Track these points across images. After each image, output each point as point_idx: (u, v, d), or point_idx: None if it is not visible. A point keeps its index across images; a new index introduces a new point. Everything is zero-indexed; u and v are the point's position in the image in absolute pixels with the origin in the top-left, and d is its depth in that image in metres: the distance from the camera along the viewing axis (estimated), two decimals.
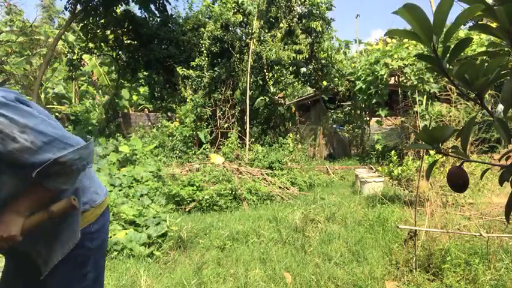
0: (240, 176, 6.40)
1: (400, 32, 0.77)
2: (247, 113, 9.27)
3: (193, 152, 8.29)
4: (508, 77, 0.68)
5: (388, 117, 10.11)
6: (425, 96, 8.18)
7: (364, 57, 11.32)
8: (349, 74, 10.66)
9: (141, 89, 18.26)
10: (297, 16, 10.40)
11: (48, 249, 1.19)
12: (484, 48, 7.41)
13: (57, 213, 1.11)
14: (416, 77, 8.12)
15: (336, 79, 10.93)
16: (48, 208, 1.10)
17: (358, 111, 11.14)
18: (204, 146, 8.57)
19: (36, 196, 1.10)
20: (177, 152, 8.49)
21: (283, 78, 10.09)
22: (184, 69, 9.72)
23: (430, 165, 0.94)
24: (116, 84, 13.41)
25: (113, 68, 15.46)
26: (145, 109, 18.21)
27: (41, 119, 1.06)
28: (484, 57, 0.91)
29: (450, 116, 5.28)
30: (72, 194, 1.20)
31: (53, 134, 1.05)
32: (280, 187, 6.22)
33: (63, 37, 12.94)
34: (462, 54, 0.68)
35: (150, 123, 12.68)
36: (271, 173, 6.95)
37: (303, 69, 11.92)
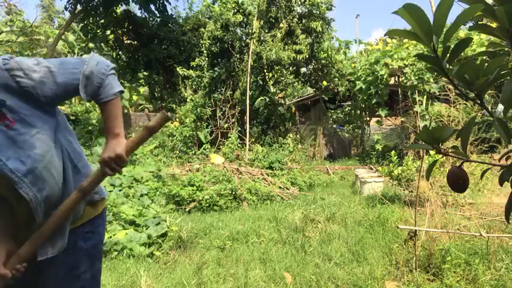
0: (240, 176, 6.40)
1: (400, 32, 0.77)
2: (247, 113, 9.28)
3: (193, 152, 8.29)
4: (508, 77, 0.68)
5: (388, 117, 10.11)
6: (425, 96, 8.18)
7: (364, 57, 11.33)
8: (349, 74, 10.66)
9: (141, 89, 18.24)
10: (297, 16, 10.40)
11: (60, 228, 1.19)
12: (484, 48, 7.41)
13: (156, 126, 1.15)
14: (416, 77, 8.12)
15: (336, 79, 10.93)
16: (146, 125, 1.15)
17: (358, 111, 11.14)
18: (204, 146, 8.57)
19: (113, 112, 1.16)
20: (177, 152, 8.48)
21: (283, 78, 10.09)
22: (184, 69, 9.72)
23: (430, 165, 0.94)
24: None
25: None
26: (145, 109, 18.20)
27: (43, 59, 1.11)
28: (484, 57, 0.91)
29: (450, 116, 5.29)
30: (77, 177, 1.22)
31: (60, 60, 1.11)
32: (280, 187, 6.22)
33: (63, 37, 12.95)
34: (462, 54, 0.68)
35: None
36: (271, 173, 6.95)
37: (303, 69, 11.92)
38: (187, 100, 9.48)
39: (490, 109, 0.77)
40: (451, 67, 0.71)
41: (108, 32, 11.89)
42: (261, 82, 10.59)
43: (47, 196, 1.09)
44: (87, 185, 1.14)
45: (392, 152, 5.80)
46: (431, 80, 8.04)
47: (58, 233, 1.17)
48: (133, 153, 6.89)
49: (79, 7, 10.41)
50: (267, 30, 10.07)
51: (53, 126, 1.12)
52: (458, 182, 0.80)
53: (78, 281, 1.25)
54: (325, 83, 11.36)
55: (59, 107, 1.23)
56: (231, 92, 9.76)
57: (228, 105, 9.71)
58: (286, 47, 9.94)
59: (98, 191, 1.31)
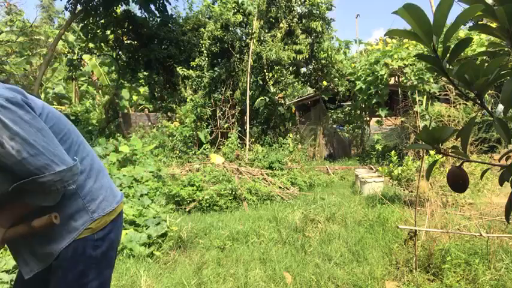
0: (240, 176, 6.40)
1: (400, 32, 0.77)
2: (247, 113, 9.28)
3: (193, 152, 8.29)
4: (508, 77, 0.68)
5: (388, 117, 10.12)
6: (425, 96, 8.19)
7: (364, 57, 11.33)
8: (349, 74, 10.67)
9: (141, 89, 18.25)
10: (297, 16, 10.40)
11: (29, 253, 1.20)
12: (484, 48, 7.41)
13: (38, 228, 1.11)
14: (416, 77, 8.13)
15: (336, 79, 10.93)
16: (30, 222, 1.11)
17: (358, 111, 11.14)
18: (204, 146, 8.57)
19: (18, 209, 1.12)
20: (177, 152, 8.48)
21: (283, 78, 10.09)
22: (184, 69, 9.72)
23: (430, 165, 0.94)
24: (116, 84, 13.41)
25: (113, 68, 15.45)
26: (145, 109, 18.20)
27: (36, 129, 1.05)
28: (484, 57, 0.91)
29: (450, 116, 5.29)
30: (69, 199, 1.19)
31: (41, 148, 1.04)
32: (280, 187, 6.22)
33: (63, 37, 12.94)
34: (462, 54, 0.68)
35: (150, 123, 12.68)
36: (271, 173, 6.95)
37: (303, 69, 11.92)
38: (187, 100, 9.48)
39: (490, 109, 0.77)
40: (451, 67, 0.71)
41: (108, 32, 11.88)
42: (261, 82, 10.60)
43: None
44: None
45: (392, 152, 5.80)
46: (431, 80, 8.04)
47: (26, 253, 1.19)
48: (134, 153, 6.89)
49: (79, 7, 10.40)
50: (267, 30, 10.07)
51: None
52: (458, 182, 0.80)
53: None
54: (325, 83, 11.36)
55: (62, 108, 1.22)
56: (231, 92, 9.76)
57: (228, 105, 9.71)
58: (286, 47, 9.94)
59: (96, 210, 1.24)
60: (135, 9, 13.00)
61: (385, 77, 8.81)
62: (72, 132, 1.26)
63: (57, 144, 1.11)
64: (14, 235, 1.12)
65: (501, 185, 0.77)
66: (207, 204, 5.18)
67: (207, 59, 9.66)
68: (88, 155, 1.29)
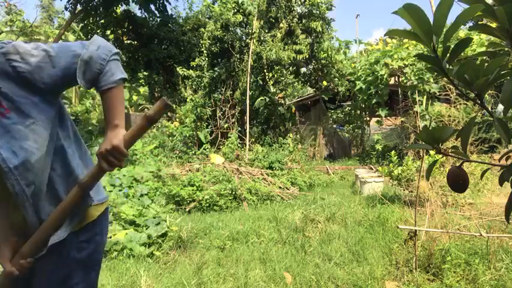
0: (240, 176, 6.40)
1: (400, 32, 0.77)
2: (247, 113, 9.28)
3: (193, 152, 8.29)
4: (508, 77, 0.68)
5: (388, 117, 10.12)
6: (425, 96, 8.18)
7: (364, 57, 11.33)
8: (349, 74, 10.67)
9: (141, 89, 18.26)
10: (297, 16, 10.40)
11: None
12: (484, 48, 7.41)
13: (155, 114, 1.04)
14: (416, 77, 8.13)
15: (336, 79, 10.93)
16: (145, 114, 1.04)
17: (358, 111, 11.14)
18: (204, 146, 8.57)
19: (113, 102, 1.08)
20: (177, 152, 8.48)
21: (283, 78, 10.09)
22: (184, 69, 9.72)
23: (430, 165, 0.94)
24: None
25: None
26: (146, 109, 18.20)
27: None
28: (484, 57, 0.91)
29: (450, 116, 5.29)
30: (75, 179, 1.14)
31: (60, 44, 1.05)
32: (280, 187, 6.22)
33: (63, 37, 12.94)
34: (462, 54, 0.68)
35: None
36: (271, 173, 6.95)
37: (303, 69, 11.92)
38: (187, 100, 9.48)
39: (490, 109, 0.77)
40: (451, 67, 0.71)
41: (108, 32, 11.89)
42: (261, 82, 10.59)
43: (34, 192, 1.04)
44: (86, 180, 1.07)
45: (392, 152, 5.80)
46: (431, 80, 8.04)
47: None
48: (134, 153, 6.89)
49: (79, 7, 10.41)
50: (267, 30, 10.07)
51: (51, 117, 1.05)
52: (458, 182, 0.80)
53: None
54: (325, 83, 11.35)
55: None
56: (231, 92, 9.76)
57: (228, 105, 9.71)
58: (286, 47, 9.94)
59: (90, 195, 1.18)
60: (135, 9, 13.01)
61: (385, 77, 8.81)
62: (72, 124, 1.24)
63: None
64: (136, 132, 1.05)
65: (501, 185, 0.77)
66: (207, 204, 5.18)
67: (207, 59, 9.66)
68: (85, 151, 1.28)
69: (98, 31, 11.56)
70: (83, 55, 1.04)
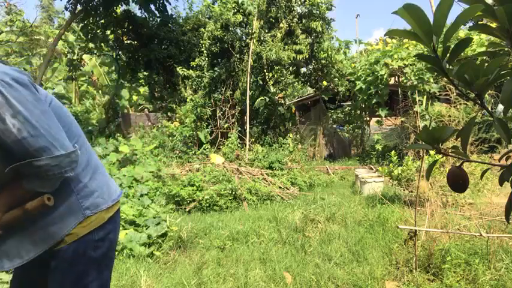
0: (240, 176, 6.40)
1: (400, 32, 0.77)
2: (247, 113, 9.28)
3: (193, 152, 8.28)
4: (508, 77, 0.68)
5: (388, 117, 10.12)
6: (425, 96, 8.19)
7: (364, 57, 11.33)
8: (349, 74, 10.67)
9: (141, 89, 18.25)
10: (297, 16, 10.40)
11: (17, 243, 1.13)
12: (484, 48, 7.41)
13: (31, 211, 1.07)
14: (416, 77, 8.13)
15: (336, 79, 10.93)
16: (24, 206, 1.08)
17: (358, 111, 11.14)
18: (204, 146, 8.57)
19: (14, 193, 1.08)
20: (177, 152, 8.48)
21: (283, 78, 10.09)
22: (184, 69, 9.72)
23: (430, 165, 0.94)
24: (116, 84, 13.41)
25: (113, 68, 15.45)
26: (145, 109, 18.20)
27: (40, 111, 1.04)
28: (484, 57, 0.91)
29: (450, 116, 5.29)
30: (62, 192, 1.14)
31: (42, 129, 1.01)
32: (280, 187, 6.22)
33: (63, 37, 12.93)
34: (462, 54, 0.68)
35: (150, 123, 12.68)
36: (271, 173, 6.95)
37: (303, 69, 11.92)
38: (187, 100, 9.48)
39: (490, 109, 0.77)
40: (451, 67, 0.71)
41: (108, 32, 11.88)
42: (261, 82, 10.59)
43: None
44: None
45: (393, 152, 5.80)
46: (431, 80, 8.04)
47: (12, 246, 1.13)
48: (134, 153, 6.89)
49: (79, 7, 10.40)
50: (267, 30, 10.07)
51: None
52: (458, 182, 0.80)
53: None
54: (325, 83, 11.36)
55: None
56: (231, 92, 9.76)
57: (228, 105, 9.70)
58: (286, 47, 9.94)
59: (89, 206, 1.20)
60: (135, 9, 13.01)
61: (385, 77, 8.81)
62: (72, 124, 1.24)
63: (60, 129, 1.09)
64: (10, 220, 1.08)
65: (501, 185, 0.77)
66: (207, 204, 5.18)
67: (207, 59, 9.65)
68: (86, 151, 1.27)
69: (98, 31, 11.56)
70: (39, 161, 1.01)
